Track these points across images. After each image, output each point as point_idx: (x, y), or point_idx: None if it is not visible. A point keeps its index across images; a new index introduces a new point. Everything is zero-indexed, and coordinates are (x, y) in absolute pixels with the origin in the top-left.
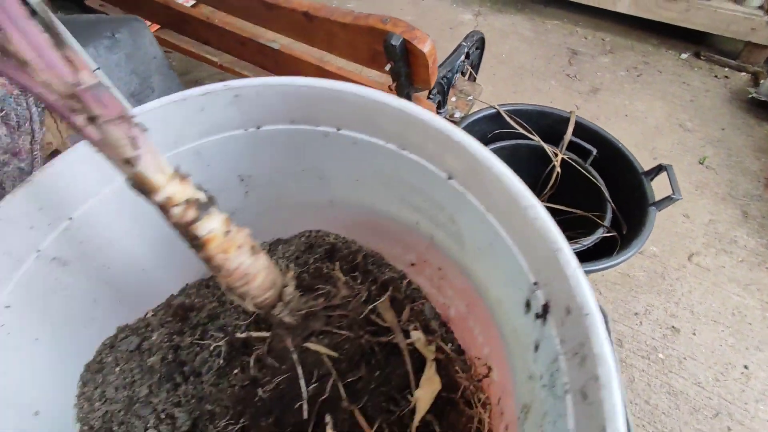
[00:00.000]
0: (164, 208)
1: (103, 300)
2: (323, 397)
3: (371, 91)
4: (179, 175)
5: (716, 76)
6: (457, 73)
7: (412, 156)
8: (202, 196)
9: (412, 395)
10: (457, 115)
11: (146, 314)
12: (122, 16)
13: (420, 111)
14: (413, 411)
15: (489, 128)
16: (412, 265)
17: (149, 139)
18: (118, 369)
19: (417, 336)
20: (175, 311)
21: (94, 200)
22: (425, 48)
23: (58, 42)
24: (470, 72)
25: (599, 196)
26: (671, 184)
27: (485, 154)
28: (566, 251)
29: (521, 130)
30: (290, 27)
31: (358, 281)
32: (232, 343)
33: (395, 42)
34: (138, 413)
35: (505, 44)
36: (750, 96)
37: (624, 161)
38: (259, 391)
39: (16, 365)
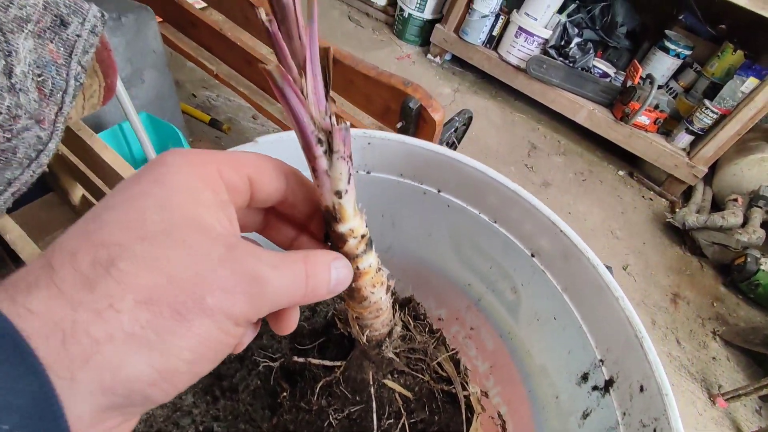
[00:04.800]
0: (342, 237)
1: None
2: None
3: (486, 167)
4: (361, 213)
5: (643, 197)
6: (444, 142)
7: (500, 229)
8: (368, 232)
9: None
10: None
11: None
12: (132, 1)
13: (530, 196)
14: None
15: None
16: (440, 319)
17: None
18: None
19: (474, 390)
20: None
21: None
22: (437, 117)
23: (327, 89)
24: (454, 143)
25: None
26: None
27: (583, 243)
28: (648, 339)
29: None
30: None
31: (426, 330)
32: (281, 366)
33: (413, 105)
34: (178, 422)
35: (476, 124)
36: (667, 220)
37: None
38: (331, 418)
39: None
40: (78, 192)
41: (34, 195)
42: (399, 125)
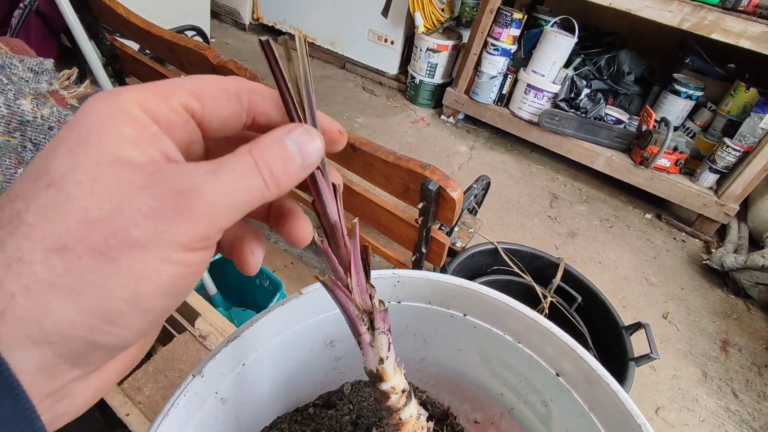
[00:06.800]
0: (386, 394)
1: None
2: None
3: (506, 297)
4: (400, 369)
5: (675, 239)
6: (464, 210)
7: (525, 349)
8: (408, 386)
9: None
10: (459, 244)
11: None
12: None
13: (549, 323)
14: None
15: (486, 261)
16: (476, 422)
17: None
18: None
19: None
20: None
21: (264, 349)
22: (455, 195)
23: (368, 277)
24: (474, 208)
25: (582, 343)
26: (649, 343)
27: (603, 371)
28: None
29: (515, 268)
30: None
31: None
32: None
33: (432, 187)
34: None
35: (494, 178)
36: (704, 262)
37: (606, 313)
38: None
39: None
40: None
41: None
42: (420, 205)
